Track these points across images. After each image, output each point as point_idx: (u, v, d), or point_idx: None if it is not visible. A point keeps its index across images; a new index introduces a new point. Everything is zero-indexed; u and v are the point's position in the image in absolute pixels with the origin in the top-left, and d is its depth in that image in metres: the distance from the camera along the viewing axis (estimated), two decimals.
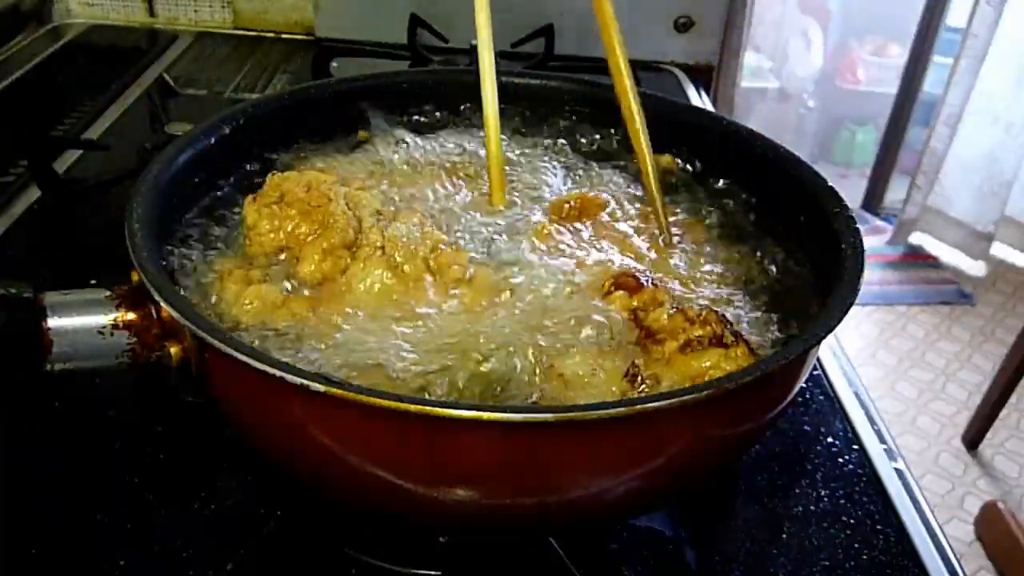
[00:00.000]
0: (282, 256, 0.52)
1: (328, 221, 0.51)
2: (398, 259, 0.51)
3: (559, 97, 0.70)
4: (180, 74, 1.12)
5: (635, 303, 0.50)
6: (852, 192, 2.81)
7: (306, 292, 0.50)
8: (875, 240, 2.70)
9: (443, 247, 0.53)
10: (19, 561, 0.51)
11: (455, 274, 0.51)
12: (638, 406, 0.38)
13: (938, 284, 2.55)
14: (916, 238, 2.66)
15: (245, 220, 0.53)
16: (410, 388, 0.44)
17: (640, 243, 0.59)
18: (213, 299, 0.50)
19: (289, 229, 0.52)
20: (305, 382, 0.37)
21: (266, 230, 0.52)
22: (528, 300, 0.51)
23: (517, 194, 0.62)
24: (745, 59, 1.31)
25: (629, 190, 0.64)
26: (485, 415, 0.37)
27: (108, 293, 0.45)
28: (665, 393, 0.43)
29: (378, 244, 0.51)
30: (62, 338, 0.44)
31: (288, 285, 0.50)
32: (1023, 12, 2.28)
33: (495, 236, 0.57)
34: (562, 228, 0.58)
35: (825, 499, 0.57)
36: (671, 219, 0.61)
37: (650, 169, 0.61)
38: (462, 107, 0.70)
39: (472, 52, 1.02)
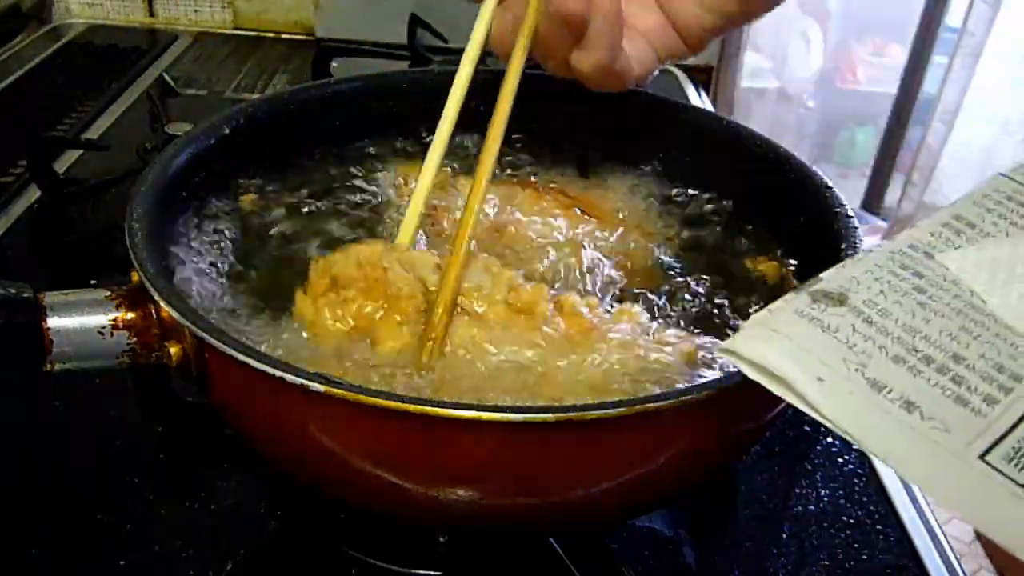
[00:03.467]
0: (353, 342, 0.47)
1: (392, 292, 0.47)
2: (478, 310, 0.47)
3: (559, 97, 0.70)
4: (180, 74, 1.12)
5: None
6: (852, 192, 2.81)
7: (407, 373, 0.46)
8: (875, 240, 2.71)
9: (520, 284, 0.49)
10: (19, 561, 0.51)
11: (542, 311, 0.47)
12: (638, 406, 0.38)
13: None
14: None
15: (302, 318, 0.48)
16: None
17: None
18: None
19: (354, 311, 0.46)
20: (305, 382, 0.37)
21: (329, 322, 0.47)
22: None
23: None
24: (745, 59, 1.31)
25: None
26: (485, 415, 0.37)
27: (108, 293, 0.45)
28: (665, 393, 0.43)
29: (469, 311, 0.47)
30: (62, 338, 0.44)
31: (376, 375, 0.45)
32: (1019, 10, 2.28)
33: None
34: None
35: (825, 499, 0.57)
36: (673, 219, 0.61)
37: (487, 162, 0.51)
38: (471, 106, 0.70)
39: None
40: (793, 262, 0.57)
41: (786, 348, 0.32)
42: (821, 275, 0.36)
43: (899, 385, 0.31)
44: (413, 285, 0.47)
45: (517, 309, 0.47)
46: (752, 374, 0.33)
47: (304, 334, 0.47)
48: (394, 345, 0.46)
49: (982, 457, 0.29)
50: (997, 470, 0.29)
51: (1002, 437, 0.29)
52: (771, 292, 0.56)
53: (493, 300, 0.47)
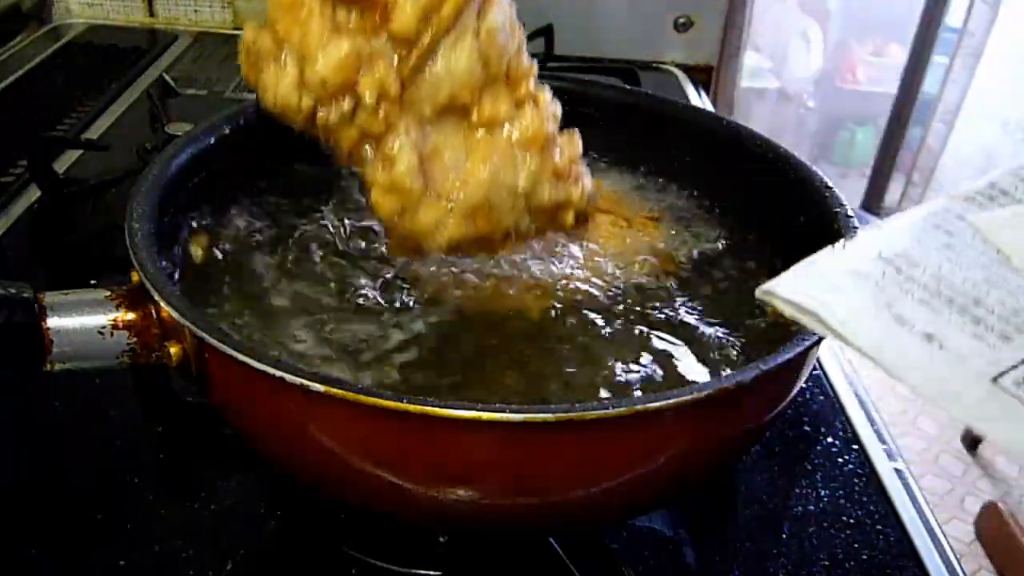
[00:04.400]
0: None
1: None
2: (489, 53, 0.44)
3: (559, 97, 0.70)
4: (180, 74, 1.12)
5: None
6: (852, 192, 2.81)
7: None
8: None
9: (525, 54, 0.47)
10: (19, 561, 0.51)
11: (522, 93, 0.47)
12: (638, 406, 0.38)
13: None
14: None
15: None
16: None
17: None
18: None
19: None
20: (305, 382, 0.37)
21: None
22: None
23: None
24: (745, 59, 1.31)
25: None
26: (485, 415, 0.37)
27: (108, 293, 0.45)
28: (665, 393, 0.43)
29: (473, 28, 0.44)
30: (62, 338, 0.44)
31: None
32: (1019, 10, 2.29)
33: None
34: None
35: (825, 499, 0.57)
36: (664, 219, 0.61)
37: None
38: None
39: None
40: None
41: (820, 289, 0.36)
42: (859, 233, 0.40)
43: (922, 321, 0.34)
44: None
45: (510, 76, 0.46)
46: (788, 311, 0.36)
47: None
48: (405, 25, 0.43)
49: (994, 380, 0.32)
50: (1007, 392, 0.31)
51: (1014, 366, 0.32)
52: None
53: (502, 53, 0.45)
